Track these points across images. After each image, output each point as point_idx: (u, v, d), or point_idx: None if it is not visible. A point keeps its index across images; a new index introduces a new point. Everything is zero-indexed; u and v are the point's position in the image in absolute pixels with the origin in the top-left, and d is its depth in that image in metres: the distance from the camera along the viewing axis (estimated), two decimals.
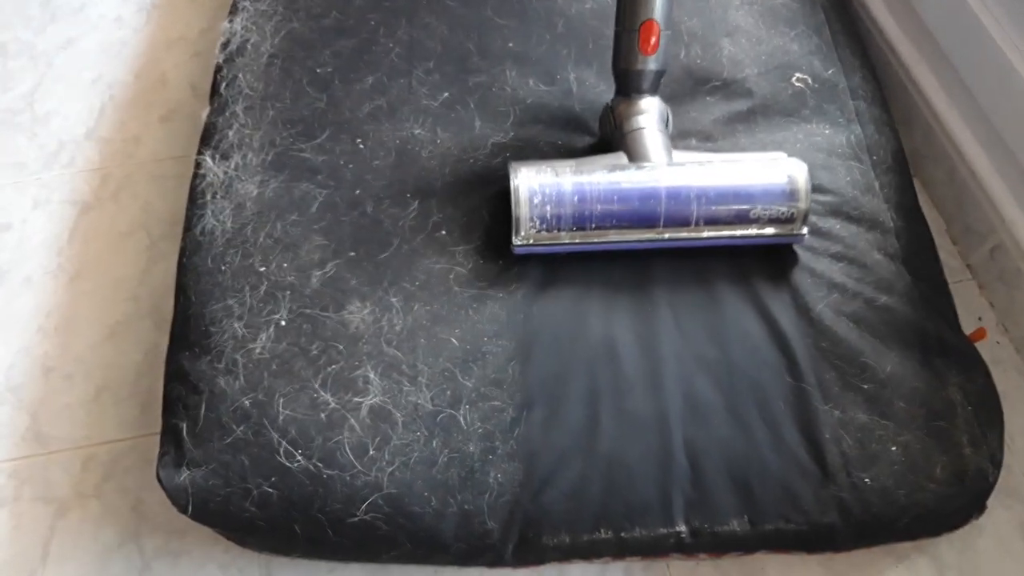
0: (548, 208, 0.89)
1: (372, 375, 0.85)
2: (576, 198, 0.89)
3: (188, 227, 0.96)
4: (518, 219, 0.89)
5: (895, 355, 0.88)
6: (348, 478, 0.80)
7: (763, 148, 1.02)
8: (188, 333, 0.88)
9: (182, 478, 0.80)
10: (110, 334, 1.09)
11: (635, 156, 0.93)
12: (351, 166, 0.99)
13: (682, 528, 0.81)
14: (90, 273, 1.14)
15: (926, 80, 1.11)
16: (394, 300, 0.89)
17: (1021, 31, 0.97)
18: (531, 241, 0.90)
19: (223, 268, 0.91)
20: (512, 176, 0.89)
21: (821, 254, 0.94)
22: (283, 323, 0.88)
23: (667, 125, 0.98)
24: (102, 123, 1.28)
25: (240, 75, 1.06)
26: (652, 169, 0.91)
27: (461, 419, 0.83)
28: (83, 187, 1.22)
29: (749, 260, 0.94)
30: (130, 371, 1.06)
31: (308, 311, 0.88)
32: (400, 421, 0.83)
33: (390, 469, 0.80)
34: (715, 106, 1.06)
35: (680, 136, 1.03)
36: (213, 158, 0.99)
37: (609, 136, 0.99)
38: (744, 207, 0.90)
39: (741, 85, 1.07)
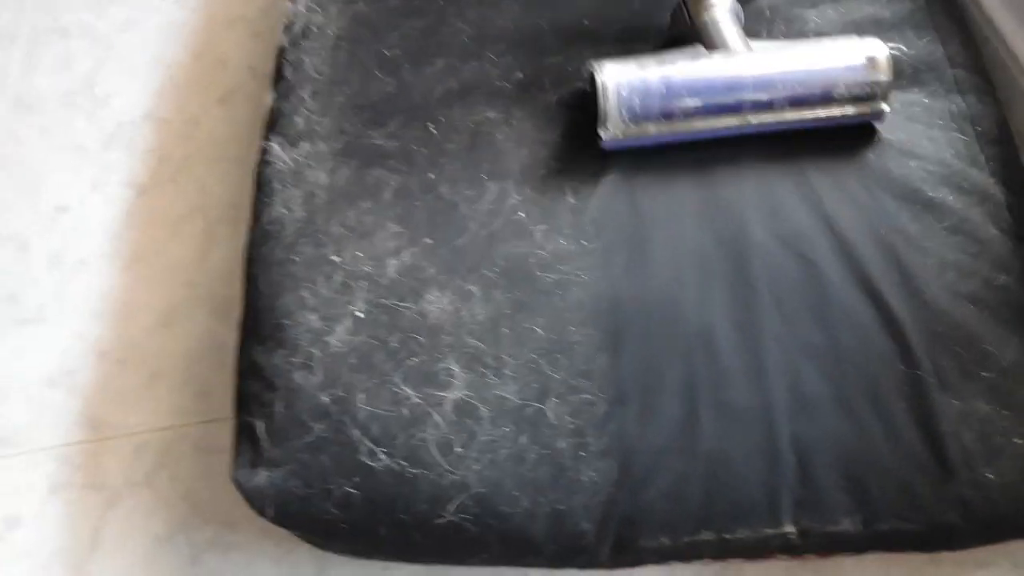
0: (636, 100, 0.87)
1: (455, 367, 0.79)
2: (664, 89, 0.88)
3: (256, 216, 0.90)
4: (607, 113, 0.88)
5: (1017, 340, 0.81)
6: (434, 477, 0.74)
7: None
8: (260, 327, 0.82)
9: (260, 479, 0.75)
10: (165, 320, 1.06)
11: (713, 46, 0.92)
12: (424, 150, 0.93)
13: (790, 528, 0.75)
14: (146, 257, 1.11)
15: None
16: (473, 288, 0.83)
17: None
18: (620, 135, 0.88)
19: (294, 258, 0.85)
20: (597, 72, 0.88)
21: (933, 229, 0.87)
22: (360, 314, 0.81)
23: (739, 19, 0.97)
24: (161, 104, 1.23)
25: (306, 58, 1.00)
26: (733, 56, 0.90)
27: (550, 413, 0.77)
28: (141, 169, 1.17)
29: (857, 236, 0.86)
30: (184, 358, 1.03)
31: (385, 301, 0.82)
32: (486, 416, 0.77)
33: (477, 467, 0.75)
34: None
35: None
36: (281, 145, 0.93)
37: (682, 31, 0.97)
38: (827, 87, 0.89)
39: None
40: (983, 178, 0.91)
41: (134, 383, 1.01)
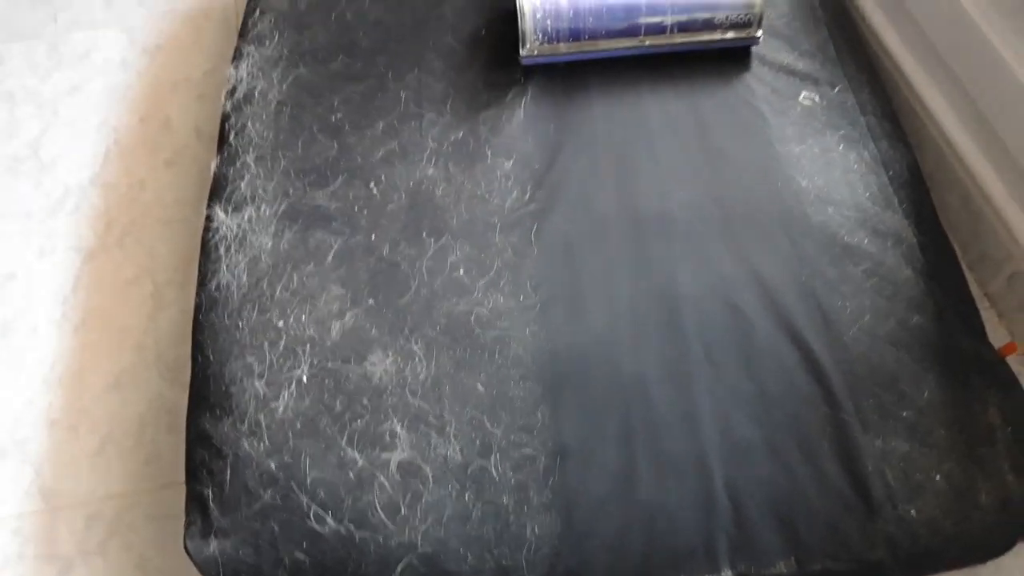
0: (549, 23, 0.99)
1: (399, 429, 0.78)
2: (571, 13, 0.99)
3: (202, 282, 0.88)
4: (524, 33, 0.99)
5: (932, 378, 0.82)
6: (381, 539, 0.73)
7: (781, 167, 0.95)
8: (208, 394, 0.81)
9: (211, 549, 0.73)
10: (115, 384, 1.03)
11: None
12: (365, 211, 0.92)
13: (728, 573, 0.75)
14: (95, 322, 1.08)
15: (935, 103, 1.05)
16: (416, 347, 0.83)
17: None
18: (535, 53, 1.01)
19: (240, 324, 0.84)
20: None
21: (851, 273, 0.88)
22: (304, 379, 0.81)
23: None
24: (107, 168, 1.21)
25: (249, 124, 0.99)
26: None
27: (493, 470, 0.77)
28: (88, 233, 1.15)
29: (780, 283, 0.87)
30: (134, 422, 1.01)
31: (330, 364, 0.81)
32: (430, 476, 0.76)
33: (423, 527, 0.74)
34: None
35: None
36: (225, 211, 0.92)
37: None
38: (709, 14, 1.00)
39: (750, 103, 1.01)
40: (897, 220, 0.92)
41: (85, 449, 0.98)
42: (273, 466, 0.75)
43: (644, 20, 1.00)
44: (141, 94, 1.28)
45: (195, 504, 0.76)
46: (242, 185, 0.94)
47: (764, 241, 0.89)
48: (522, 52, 1.00)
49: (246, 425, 0.78)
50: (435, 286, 0.86)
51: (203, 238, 0.92)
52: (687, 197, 0.92)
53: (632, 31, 1.01)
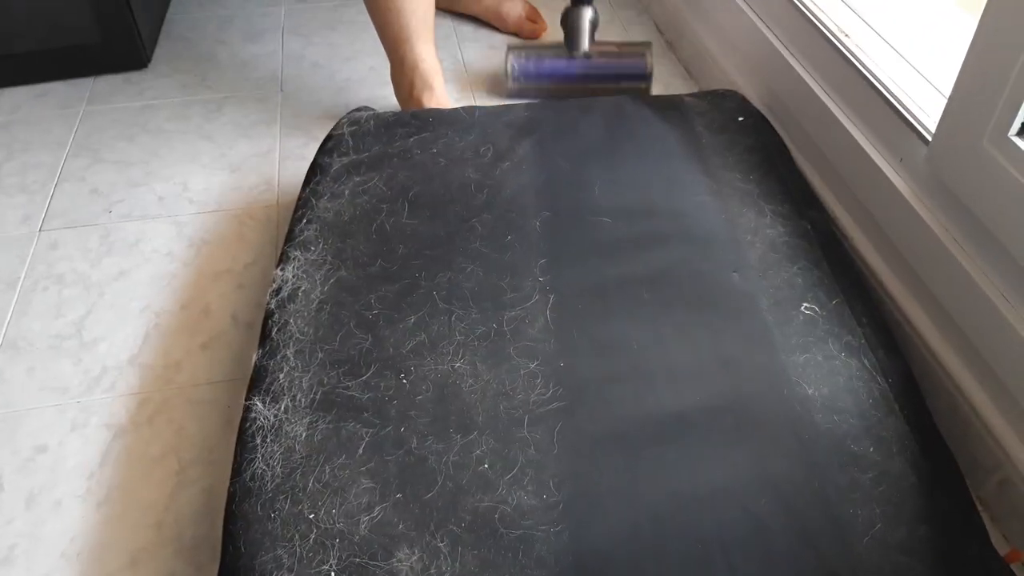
0: (517, 70, 1.58)
1: None
2: (533, 66, 1.58)
3: (237, 471, 0.84)
4: (507, 73, 1.59)
5: None
6: None
7: (787, 375, 0.94)
8: None
9: None
10: (131, 561, 0.96)
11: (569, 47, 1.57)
12: (395, 402, 0.90)
13: None
14: (118, 498, 1.02)
15: (918, 319, 1.05)
16: (441, 545, 0.78)
17: (1003, 279, 0.92)
18: (515, 87, 1.59)
19: (273, 515, 0.79)
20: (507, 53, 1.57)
21: (860, 481, 0.84)
22: (332, 574, 0.75)
23: (595, 29, 1.57)
24: (145, 349, 1.18)
25: (291, 320, 0.98)
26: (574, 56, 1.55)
27: None
28: (120, 411, 1.11)
29: (794, 490, 0.83)
30: None
31: (357, 559, 0.76)
32: None
33: None
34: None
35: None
36: (263, 401, 0.89)
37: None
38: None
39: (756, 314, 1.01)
40: (899, 426, 0.90)
41: None
42: None
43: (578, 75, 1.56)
44: (184, 282, 1.28)
45: None
46: (280, 377, 0.91)
47: (777, 447, 0.86)
48: (508, 86, 1.62)
49: None
50: (461, 481, 0.83)
51: (240, 427, 0.89)
52: (701, 402, 0.90)
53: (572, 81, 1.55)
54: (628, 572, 0.76)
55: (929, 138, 1.02)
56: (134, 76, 1.75)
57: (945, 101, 0.96)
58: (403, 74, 1.51)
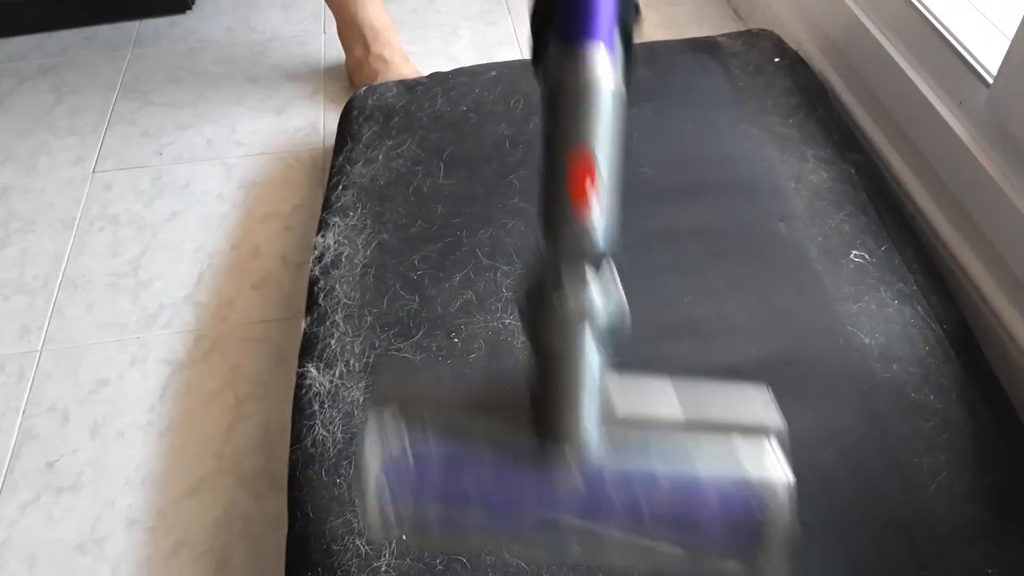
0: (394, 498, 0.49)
1: None
2: (442, 483, 0.49)
3: (297, 439, 0.84)
4: (364, 515, 0.49)
5: (1012, 532, 0.76)
6: None
7: (842, 324, 0.91)
8: (309, 552, 0.75)
9: None
10: (193, 489, 0.98)
11: (547, 428, 0.48)
12: (449, 361, 0.89)
13: None
14: (178, 429, 1.04)
15: (971, 264, 1.02)
16: None
17: None
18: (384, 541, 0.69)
19: (339, 481, 0.79)
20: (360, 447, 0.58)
21: (922, 429, 0.83)
22: (404, 537, 0.74)
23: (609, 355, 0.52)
24: (199, 289, 1.19)
25: (337, 286, 0.98)
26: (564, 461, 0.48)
27: None
28: (178, 347, 1.13)
29: (856, 442, 0.81)
30: (209, 527, 0.95)
31: None
32: None
33: None
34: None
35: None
36: (317, 368, 0.89)
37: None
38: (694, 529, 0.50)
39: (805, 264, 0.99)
40: (958, 374, 0.88)
41: (161, 551, 0.93)
42: None
43: (570, 526, 0.48)
44: (234, 223, 1.28)
45: None
46: (332, 342, 0.91)
47: (836, 399, 0.85)
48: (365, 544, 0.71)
49: None
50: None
51: (296, 394, 0.89)
52: (758, 355, 0.88)
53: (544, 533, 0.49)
54: None
55: (990, 80, 0.99)
56: (178, 19, 1.74)
57: (1008, 42, 0.93)
58: (354, 35, 1.47)
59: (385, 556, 0.73)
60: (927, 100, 1.08)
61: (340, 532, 0.75)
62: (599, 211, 0.46)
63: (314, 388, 0.88)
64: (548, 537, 0.48)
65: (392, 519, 0.48)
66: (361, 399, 0.86)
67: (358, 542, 0.74)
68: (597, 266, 0.47)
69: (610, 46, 0.46)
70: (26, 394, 1.09)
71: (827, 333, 0.91)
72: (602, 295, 0.48)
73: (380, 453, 0.48)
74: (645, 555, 0.49)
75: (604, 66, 0.45)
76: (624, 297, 0.50)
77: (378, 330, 0.93)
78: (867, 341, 0.90)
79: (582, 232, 0.46)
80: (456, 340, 0.91)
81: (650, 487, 0.48)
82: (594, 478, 0.47)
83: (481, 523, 0.48)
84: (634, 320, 0.76)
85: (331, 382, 0.88)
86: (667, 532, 0.48)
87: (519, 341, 0.91)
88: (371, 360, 0.89)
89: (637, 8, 0.50)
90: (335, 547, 0.74)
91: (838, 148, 1.14)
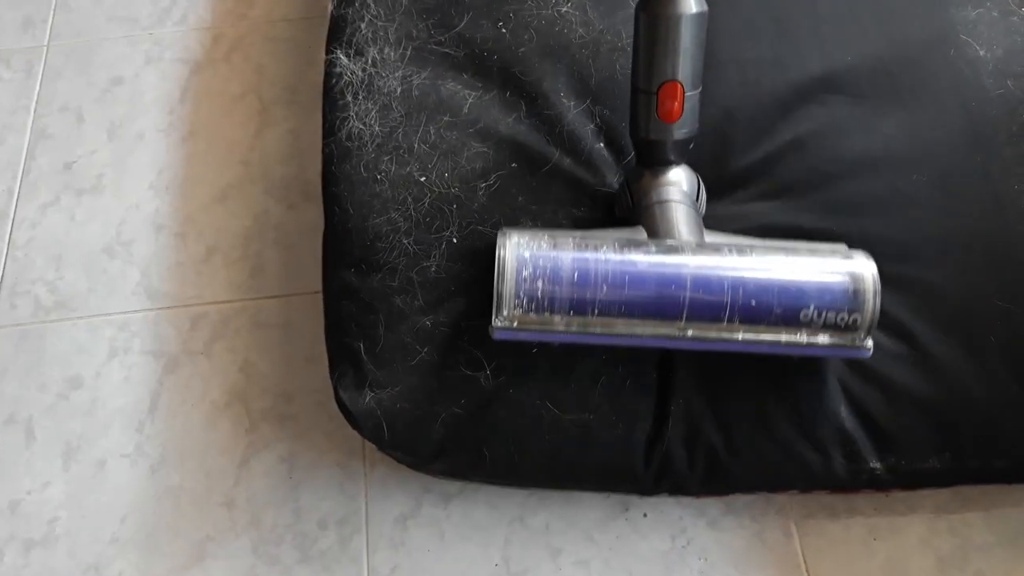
0: (540, 284, 0.60)
1: None
2: (576, 275, 0.60)
3: (331, 131, 0.74)
4: (500, 296, 0.60)
5: None
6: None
7: (956, 32, 0.79)
8: (351, 248, 0.69)
9: (366, 400, 0.64)
10: (221, 196, 0.92)
11: (656, 233, 0.64)
12: (495, 56, 0.77)
13: (876, 465, 0.65)
14: (202, 134, 0.96)
15: None
16: (564, 223, 0.70)
17: None
18: (515, 324, 0.61)
19: (379, 177, 0.71)
20: (500, 245, 0.61)
21: None
22: (455, 240, 0.69)
23: (699, 201, 0.69)
24: None
25: None
26: (676, 248, 0.62)
27: None
28: (195, 46, 1.01)
29: (953, 165, 0.72)
30: (240, 235, 0.90)
31: (480, 228, 0.69)
32: None
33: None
34: None
35: None
36: (347, 54, 0.77)
37: (626, 215, 0.70)
38: (793, 306, 0.60)
39: None
40: None
41: (192, 256, 0.89)
42: (429, 323, 0.66)
43: (687, 300, 0.60)
44: None
45: (344, 356, 0.66)
46: (362, 26, 0.78)
47: (937, 115, 0.74)
48: (495, 322, 0.61)
49: (397, 282, 0.67)
50: (580, 157, 0.74)
51: (325, 83, 0.78)
52: (853, 61, 0.77)
53: (667, 311, 0.61)
54: None
55: None
56: None
57: None
58: None
59: (435, 257, 0.68)
60: None
61: (385, 230, 0.69)
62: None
63: (345, 77, 0.76)
64: (663, 319, 0.61)
65: (523, 299, 0.60)
66: (399, 90, 0.75)
67: (405, 241, 0.69)
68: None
69: None
70: (36, 91, 0.99)
71: (936, 41, 0.78)
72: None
73: (515, 245, 0.61)
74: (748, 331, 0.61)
75: None
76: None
77: (415, 16, 0.79)
78: (982, 53, 0.78)
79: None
80: (504, 30, 0.79)
81: (754, 268, 0.61)
82: (703, 266, 0.61)
83: (605, 304, 0.60)
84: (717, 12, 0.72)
85: (363, 70, 0.76)
86: (777, 300, 0.60)
87: (575, 35, 0.78)
88: (408, 52, 0.77)
89: None
90: (380, 244, 0.69)
91: None
